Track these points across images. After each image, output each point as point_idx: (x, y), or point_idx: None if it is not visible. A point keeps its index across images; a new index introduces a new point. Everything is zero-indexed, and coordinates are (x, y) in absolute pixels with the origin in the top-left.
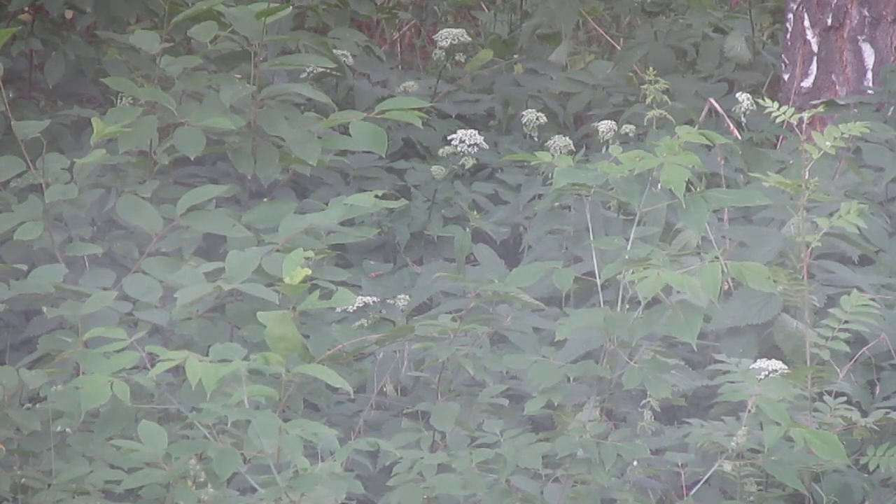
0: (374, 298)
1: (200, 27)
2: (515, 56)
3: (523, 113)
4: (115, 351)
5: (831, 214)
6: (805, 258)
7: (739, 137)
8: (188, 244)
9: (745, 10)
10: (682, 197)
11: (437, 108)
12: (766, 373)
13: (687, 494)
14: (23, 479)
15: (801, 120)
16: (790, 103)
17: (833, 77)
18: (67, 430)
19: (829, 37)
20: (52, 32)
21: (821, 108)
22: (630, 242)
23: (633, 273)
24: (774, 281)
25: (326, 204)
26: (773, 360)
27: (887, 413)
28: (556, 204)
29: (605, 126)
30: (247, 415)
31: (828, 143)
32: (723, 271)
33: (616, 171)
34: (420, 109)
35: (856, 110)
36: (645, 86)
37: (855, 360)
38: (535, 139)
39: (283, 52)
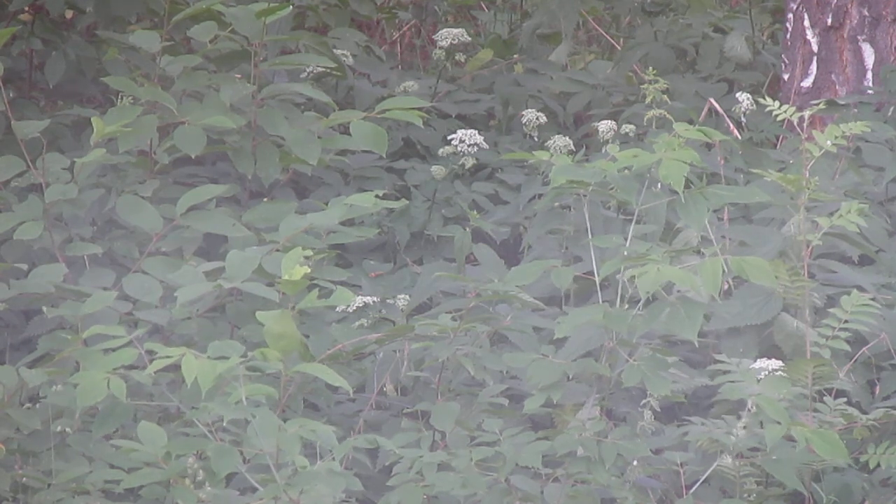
0: (374, 298)
1: (200, 27)
2: (515, 56)
3: (523, 113)
4: (113, 348)
5: (831, 214)
6: (805, 257)
7: (739, 137)
8: (188, 244)
9: (745, 10)
10: (682, 192)
11: (437, 108)
12: (766, 372)
13: (687, 494)
14: (23, 479)
15: (801, 119)
16: (790, 103)
17: (833, 77)
18: (67, 429)
19: (829, 37)
20: (52, 32)
21: (821, 107)
22: (629, 240)
23: (633, 270)
24: (776, 276)
25: (326, 204)
26: (773, 359)
27: (888, 411)
28: (556, 204)
29: (605, 126)
30: (244, 413)
31: (828, 142)
32: (724, 269)
33: (614, 167)
34: (420, 109)
35: (856, 110)
36: (645, 86)
37: (855, 360)
38: (535, 139)
39: (283, 52)
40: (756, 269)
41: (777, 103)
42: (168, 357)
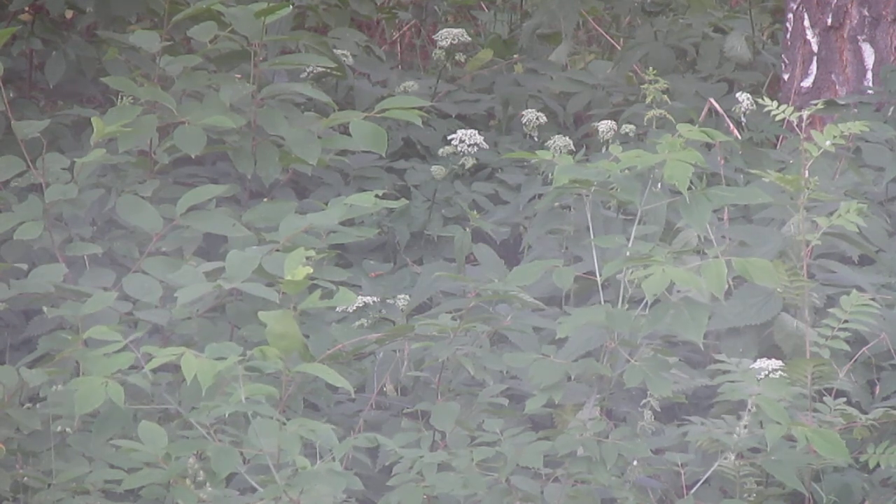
0: (374, 298)
1: (200, 27)
2: (515, 56)
3: (523, 113)
4: (111, 352)
5: (831, 214)
6: (805, 257)
7: (739, 137)
8: (188, 244)
9: (745, 10)
10: (686, 193)
11: (437, 108)
12: (766, 372)
13: (687, 494)
14: (23, 479)
15: (800, 119)
16: (790, 103)
17: (833, 77)
18: (67, 430)
19: (829, 37)
20: (52, 32)
21: (821, 107)
22: (631, 240)
23: (636, 271)
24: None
25: (326, 204)
26: (773, 359)
27: (888, 411)
28: (556, 204)
29: (605, 126)
30: (245, 408)
31: (827, 142)
32: (727, 268)
33: (617, 167)
34: (420, 109)
35: (856, 110)
36: (645, 86)
37: (855, 360)
38: (535, 139)
39: (283, 52)
40: (760, 271)
41: (777, 103)
42: (167, 356)
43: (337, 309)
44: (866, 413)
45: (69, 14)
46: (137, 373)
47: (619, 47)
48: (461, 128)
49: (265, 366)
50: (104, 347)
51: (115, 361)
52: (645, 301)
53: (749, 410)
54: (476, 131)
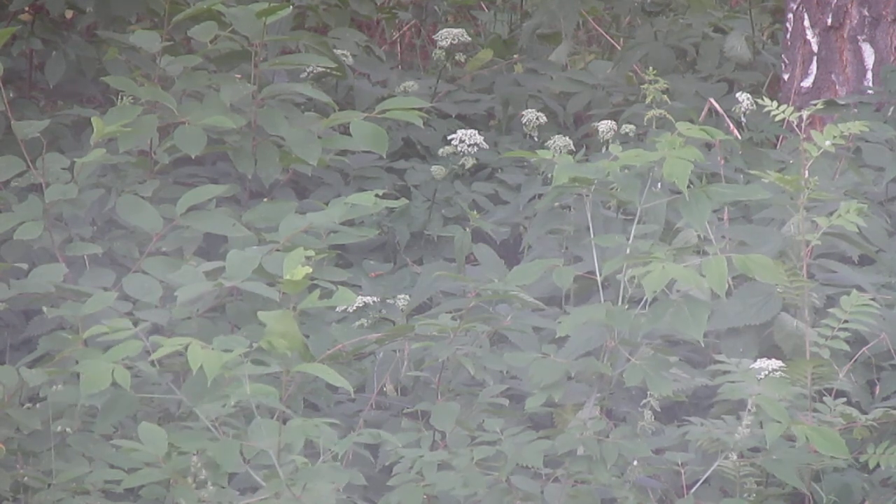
0: (374, 298)
1: (200, 27)
2: (515, 56)
3: (523, 113)
4: (118, 340)
5: (831, 214)
6: (805, 257)
7: (739, 137)
8: (188, 244)
9: (745, 10)
10: (685, 190)
11: (437, 108)
12: (766, 372)
13: (687, 494)
14: (23, 479)
15: (800, 119)
16: (790, 103)
17: (833, 77)
18: (67, 429)
19: (829, 37)
20: (52, 32)
21: (821, 107)
22: (631, 239)
23: (636, 270)
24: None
25: (326, 204)
26: (773, 359)
27: (888, 411)
28: (556, 204)
29: (605, 126)
30: (251, 398)
31: (827, 142)
32: (728, 266)
33: (616, 166)
34: (420, 109)
35: (856, 110)
36: (645, 86)
37: (855, 360)
38: (535, 139)
39: (283, 52)
40: (761, 267)
41: (777, 103)
42: (173, 345)
43: (337, 309)
44: (866, 413)
45: (69, 14)
46: (143, 361)
47: (619, 47)
48: (461, 128)
49: (271, 359)
50: (112, 334)
51: (122, 350)
52: (645, 299)
53: (749, 410)
54: (476, 131)
